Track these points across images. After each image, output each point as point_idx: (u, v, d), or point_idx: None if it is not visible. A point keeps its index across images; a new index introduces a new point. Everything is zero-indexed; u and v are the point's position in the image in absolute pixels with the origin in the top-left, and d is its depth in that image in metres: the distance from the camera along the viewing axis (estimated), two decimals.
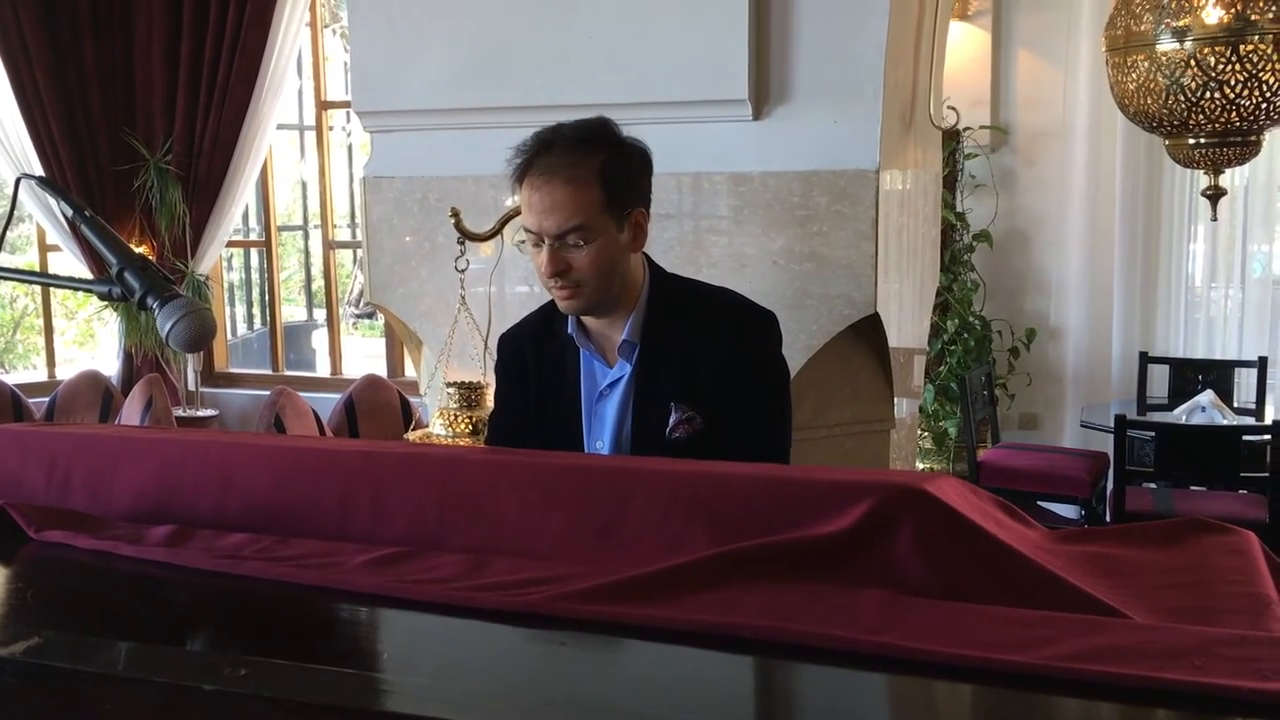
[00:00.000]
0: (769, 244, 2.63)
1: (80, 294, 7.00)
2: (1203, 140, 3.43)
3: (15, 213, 1.66)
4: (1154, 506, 4.47)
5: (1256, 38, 3.17)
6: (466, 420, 2.58)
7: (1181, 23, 3.23)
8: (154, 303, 1.52)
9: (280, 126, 6.33)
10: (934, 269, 3.29)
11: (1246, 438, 4.26)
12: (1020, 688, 0.95)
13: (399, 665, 1.09)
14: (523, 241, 1.91)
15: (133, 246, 2.37)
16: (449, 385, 2.64)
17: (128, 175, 5.68)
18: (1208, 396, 4.73)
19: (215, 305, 6.13)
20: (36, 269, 5.98)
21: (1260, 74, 3.19)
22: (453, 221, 2.56)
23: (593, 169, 1.83)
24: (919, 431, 4.96)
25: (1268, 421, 4.56)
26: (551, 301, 2.01)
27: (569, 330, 1.95)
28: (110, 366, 6.05)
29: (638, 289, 1.94)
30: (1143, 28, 3.31)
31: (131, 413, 5.31)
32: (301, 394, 5.31)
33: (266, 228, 6.42)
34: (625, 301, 1.92)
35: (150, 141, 5.69)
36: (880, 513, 1.17)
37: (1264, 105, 3.24)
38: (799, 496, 1.24)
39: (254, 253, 8.00)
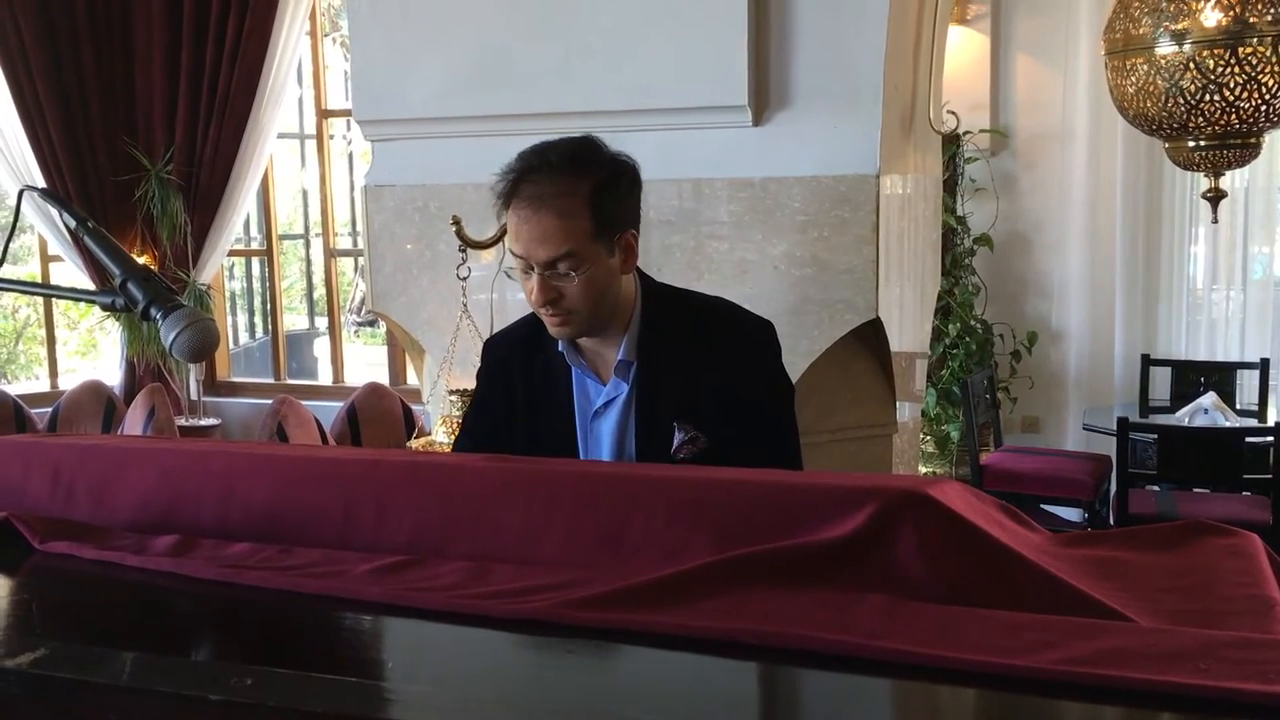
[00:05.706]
0: (770, 250, 2.64)
1: (82, 304, 7.01)
2: (1202, 143, 3.44)
3: (17, 224, 1.66)
4: (1157, 509, 4.46)
5: (1255, 40, 3.18)
6: None
7: (1180, 26, 3.23)
8: (158, 313, 1.52)
9: (281, 135, 6.34)
10: (935, 273, 3.29)
11: (1249, 440, 4.25)
12: (1024, 692, 0.95)
13: (403, 673, 1.09)
14: (511, 268, 1.87)
15: (134, 257, 2.35)
16: (451, 393, 2.64)
17: (129, 185, 5.69)
18: (1210, 399, 4.72)
19: (217, 314, 6.14)
20: (39, 280, 5.99)
21: (1259, 76, 3.20)
22: (454, 229, 2.56)
23: (582, 197, 1.78)
24: (921, 435, 4.96)
25: (1270, 423, 4.56)
26: None
27: (559, 348, 1.91)
28: (112, 376, 6.05)
29: (630, 306, 1.90)
30: (1141, 31, 3.31)
31: (134, 423, 5.31)
32: (304, 402, 5.31)
33: (268, 236, 6.43)
34: (618, 320, 1.88)
35: (151, 151, 5.70)
36: (883, 518, 1.17)
37: (1263, 107, 3.24)
38: (801, 502, 1.24)
39: (255, 261, 8.02)
